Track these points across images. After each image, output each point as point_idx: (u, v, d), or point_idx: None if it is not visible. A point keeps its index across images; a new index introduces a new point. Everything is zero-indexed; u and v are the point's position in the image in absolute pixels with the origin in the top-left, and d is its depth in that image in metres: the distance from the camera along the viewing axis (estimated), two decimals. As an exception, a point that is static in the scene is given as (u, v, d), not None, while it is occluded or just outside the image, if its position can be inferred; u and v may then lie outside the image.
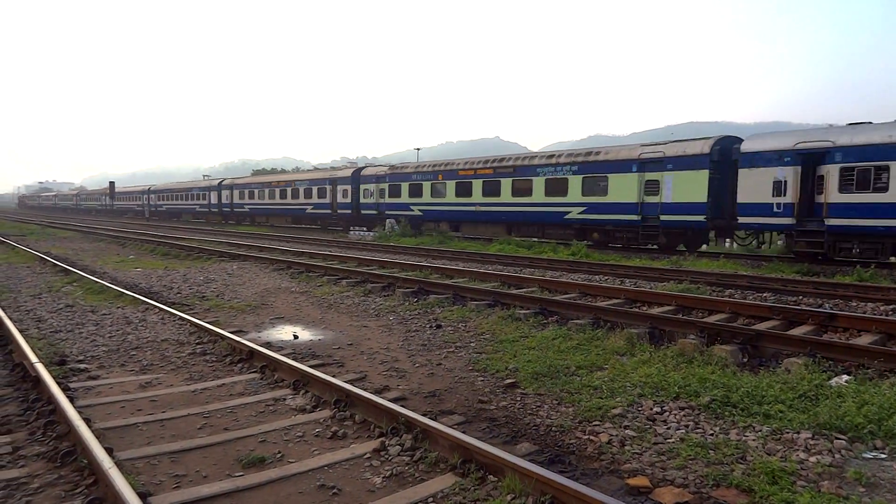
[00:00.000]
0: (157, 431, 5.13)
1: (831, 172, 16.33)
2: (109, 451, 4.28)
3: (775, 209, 17.52)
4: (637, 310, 9.76)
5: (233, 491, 4.06)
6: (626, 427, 5.11)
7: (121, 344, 8.22)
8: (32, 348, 7.08)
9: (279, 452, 4.69)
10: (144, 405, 5.79)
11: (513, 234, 26.30)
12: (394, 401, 5.47)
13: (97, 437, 4.44)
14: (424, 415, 5.10)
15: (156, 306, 10.64)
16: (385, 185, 33.47)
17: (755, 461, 4.39)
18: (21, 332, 8.09)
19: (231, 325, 9.44)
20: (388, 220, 32.50)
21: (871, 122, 16.63)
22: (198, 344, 8.20)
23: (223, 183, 53.04)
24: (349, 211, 36.32)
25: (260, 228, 41.75)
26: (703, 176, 19.37)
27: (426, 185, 30.58)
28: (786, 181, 17.20)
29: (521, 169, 25.66)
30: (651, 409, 5.49)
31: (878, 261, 15.55)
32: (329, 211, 38.14)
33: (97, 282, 13.63)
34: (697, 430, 5.02)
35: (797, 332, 8.10)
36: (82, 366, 7.11)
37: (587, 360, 7.04)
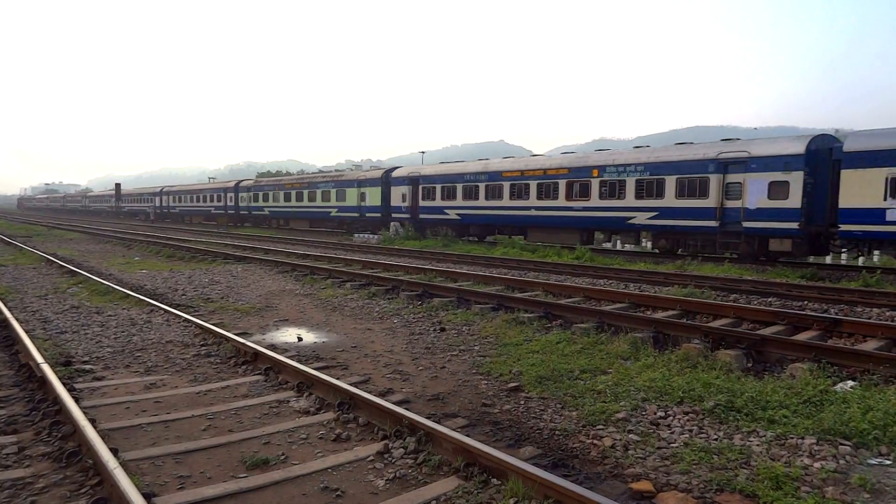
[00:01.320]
0: (161, 432, 5.15)
1: None
2: (114, 451, 4.30)
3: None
4: (641, 314, 9.74)
5: (237, 492, 4.07)
6: (629, 431, 5.11)
7: (126, 345, 8.26)
8: (38, 349, 7.13)
9: (283, 454, 4.70)
10: (149, 406, 5.81)
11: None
12: (397, 403, 5.48)
13: (102, 438, 4.46)
14: (428, 418, 5.10)
15: (161, 308, 10.69)
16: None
17: (759, 466, 4.38)
18: (27, 332, 8.14)
19: (235, 327, 9.47)
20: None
21: None
22: (202, 346, 8.23)
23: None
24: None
25: (267, 231, 41.68)
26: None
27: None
28: None
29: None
30: (655, 413, 5.48)
31: None
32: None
33: (103, 283, 13.70)
34: (701, 435, 5.01)
35: (802, 337, 8.07)
36: (88, 367, 7.14)
37: (591, 364, 7.03)
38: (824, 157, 17.38)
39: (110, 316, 10.24)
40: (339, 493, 4.11)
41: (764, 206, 17.96)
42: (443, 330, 9.23)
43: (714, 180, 19.05)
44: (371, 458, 4.62)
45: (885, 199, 15.48)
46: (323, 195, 39.32)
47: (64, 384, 5.80)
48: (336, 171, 55.45)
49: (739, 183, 18.50)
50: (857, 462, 4.50)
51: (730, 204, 18.75)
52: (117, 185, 69.70)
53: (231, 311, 10.99)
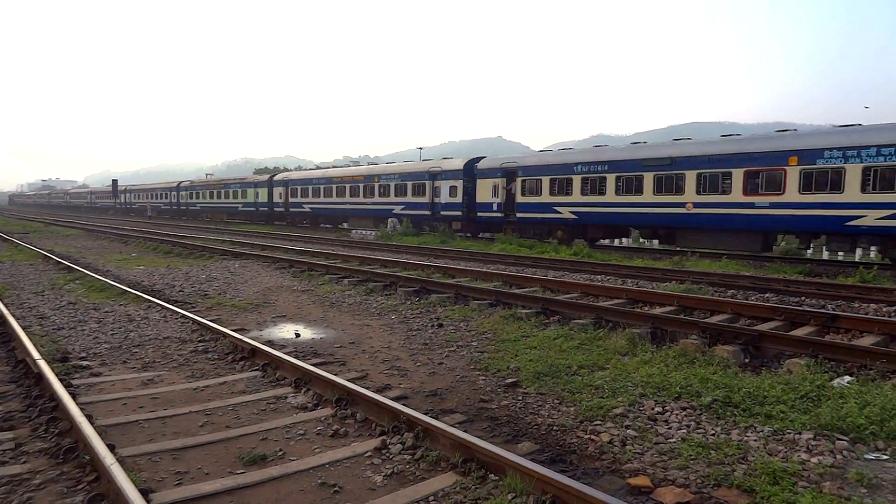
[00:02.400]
0: (158, 429, 5.14)
1: None
2: (111, 447, 4.30)
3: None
4: (639, 310, 9.75)
5: (234, 488, 4.06)
6: (627, 427, 5.11)
7: (123, 341, 8.24)
8: (35, 345, 7.11)
9: (280, 450, 4.70)
10: (146, 402, 5.80)
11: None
12: (395, 399, 5.47)
13: (99, 434, 4.45)
14: (426, 413, 5.10)
15: (158, 304, 10.67)
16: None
17: (756, 462, 4.38)
18: (24, 328, 8.12)
19: (233, 323, 9.45)
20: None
21: None
22: (200, 342, 8.21)
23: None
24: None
25: (265, 227, 41.42)
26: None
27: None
28: None
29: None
30: (652, 408, 5.49)
31: None
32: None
33: (100, 279, 13.67)
34: (699, 431, 5.01)
35: (799, 332, 8.08)
36: (85, 363, 7.12)
37: (589, 360, 7.04)
38: (472, 172, 27.90)
39: (107, 312, 10.21)
40: (336, 488, 4.10)
41: (448, 201, 29.12)
42: (440, 326, 9.22)
43: (428, 185, 29.93)
44: (369, 453, 4.62)
45: (492, 197, 26.76)
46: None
47: (61, 380, 5.78)
48: (333, 165, 52.46)
49: (439, 186, 29.27)
50: (854, 457, 4.50)
51: (436, 199, 29.63)
52: (114, 182, 69.48)
53: (228, 307, 10.98)
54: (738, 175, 18.83)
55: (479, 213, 27.80)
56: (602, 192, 22.53)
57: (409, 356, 7.60)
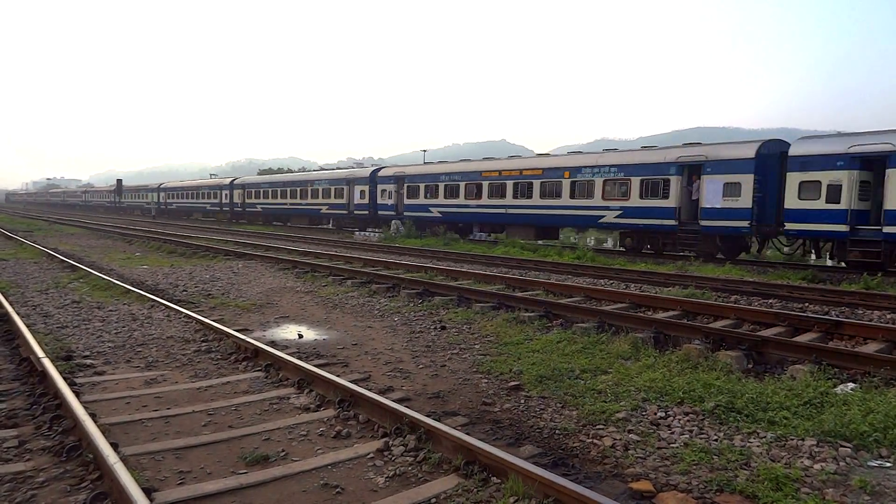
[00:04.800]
0: (161, 428, 5.15)
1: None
2: (115, 446, 4.31)
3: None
4: (642, 314, 9.74)
5: (236, 488, 4.07)
6: (629, 431, 5.11)
7: (126, 340, 8.26)
8: (39, 343, 7.13)
9: (283, 451, 4.70)
10: (150, 401, 5.81)
11: None
12: (398, 401, 5.47)
13: (103, 433, 4.46)
14: (428, 416, 5.10)
15: (162, 303, 10.69)
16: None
17: (759, 467, 4.38)
18: (28, 327, 8.14)
19: (236, 323, 9.47)
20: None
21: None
22: (203, 341, 8.23)
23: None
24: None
25: (266, 228, 41.54)
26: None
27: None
28: None
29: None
30: (655, 413, 5.48)
31: None
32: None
33: (104, 278, 13.71)
34: (701, 436, 5.01)
35: (803, 338, 8.06)
36: (88, 361, 7.14)
37: (591, 364, 7.03)
38: (375, 180, 34.39)
39: (111, 311, 10.24)
40: (338, 489, 4.11)
41: (385, 202, 33.68)
42: (443, 328, 9.23)
43: (346, 190, 36.19)
44: (371, 455, 4.62)
45: (388, 199, 33.45)
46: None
47: (65, 378, 5.80)
48: (332, 167, 55.08)
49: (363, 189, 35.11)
50: (857, 464, 4.49)
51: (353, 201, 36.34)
52: (119, 182, 69.71)
53: (232, 307, 11.00)
54: (536, 185, 25.21)
55: (379, 212, 34.43)
56: (456, 196, 29.21)
57: (411, 358, 7.60)
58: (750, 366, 7.17)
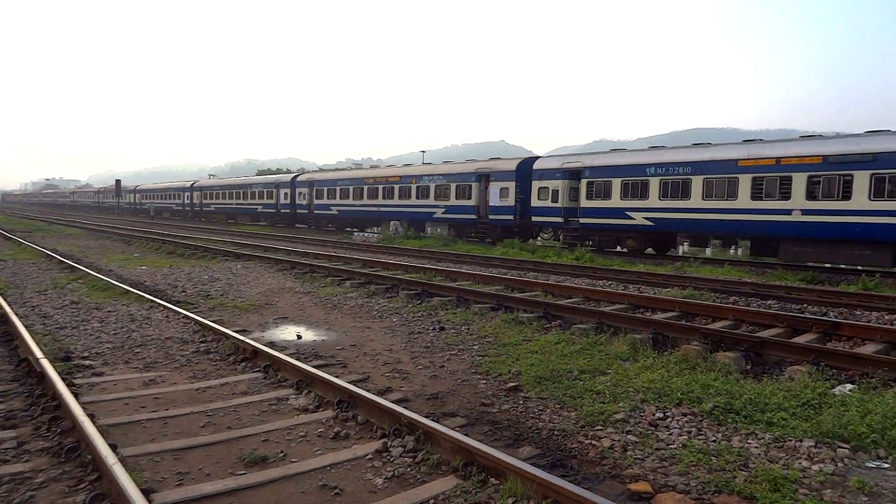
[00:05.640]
0: (160, 429, 5.15)
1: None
2: (113, 447, 4.31)
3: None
4: (641, 315, 9.75)
5: (235, 489, 4.07)
6: (628, 432, 5.11)
7: (125, 341, 8.26)
8: (38, 344, 7.12)
9: (281, 452, 4.70)
10: (148, 402, 5.81)
11: None
12: (396, 402, 5.48)
13: (101, 434, 4.46)
14: (427, 416, 5.10)
15: (160, 304, 10.69)
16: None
17: (757, 468, 4.38)
18: (27, 327, 8.14)
19: (235, 324, 9.47)
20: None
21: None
22: (202, 342, 8.23)
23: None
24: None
25: (266, 229, 41.42)
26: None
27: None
28: None
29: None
30: (653, 414, 5.49)
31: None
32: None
33: (102, 279, 13.69)
34: (700, 437, 5.01)
35: (801, 339, 8.07)
36: (87, 362, 7.14)
37: (590, 365, 7.04)
38: (295, 185, 41.06)
39: (110, 312, 10.24)
40: (337, 490, 4.11)
41: (301, 203, 40.78)
42: (442, 329, 9.23)
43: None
44: (370, 456, 4.62)
45: (303, 200, 40.69)
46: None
47: (63, 379, 5.79)
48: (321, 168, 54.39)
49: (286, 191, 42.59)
50: (855, 465, 4.50)
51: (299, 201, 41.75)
52: (117, 182, 69.72)
53: (230, 308, 10.99)
54: (397, 189, 32.06)
55: (297, 211, 42.32)
56: (348, 198, 36.29)
57: (410, 359, 7.60)
58: (748, 367, 7.18)
